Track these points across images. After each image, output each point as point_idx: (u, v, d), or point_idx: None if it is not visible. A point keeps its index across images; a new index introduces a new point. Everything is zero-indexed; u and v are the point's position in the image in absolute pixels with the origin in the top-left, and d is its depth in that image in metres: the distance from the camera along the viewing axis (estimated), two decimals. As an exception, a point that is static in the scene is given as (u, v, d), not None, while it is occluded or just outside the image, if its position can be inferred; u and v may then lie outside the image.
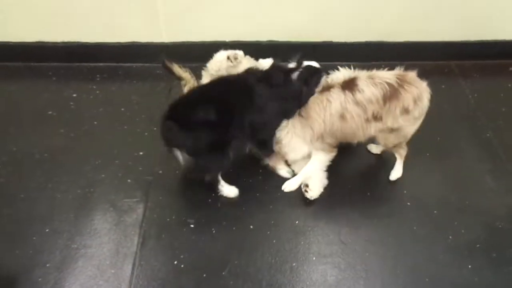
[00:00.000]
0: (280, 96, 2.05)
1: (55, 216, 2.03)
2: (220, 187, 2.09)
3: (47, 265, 1.85)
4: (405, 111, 1.96)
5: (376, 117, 1.99)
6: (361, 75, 2.02)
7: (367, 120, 1.99)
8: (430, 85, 2.71)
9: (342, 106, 1.98)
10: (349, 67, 2.11)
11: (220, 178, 2.09)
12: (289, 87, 2.05)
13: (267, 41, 2.78)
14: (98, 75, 2.78)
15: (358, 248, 1.95)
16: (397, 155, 2.19)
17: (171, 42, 2.78)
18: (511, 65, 2.92)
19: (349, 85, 1.99)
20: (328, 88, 2.03)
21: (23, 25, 2.72)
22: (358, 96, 1.96)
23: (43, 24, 2.72)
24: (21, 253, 1.89)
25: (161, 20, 2.67)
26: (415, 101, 1.96)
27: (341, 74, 2.09)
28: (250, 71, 2.13)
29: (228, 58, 2.26)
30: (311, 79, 2.07)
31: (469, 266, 1.89)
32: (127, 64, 2.84)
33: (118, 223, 2.01)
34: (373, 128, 2.02)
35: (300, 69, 2.08)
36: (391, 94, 1.95)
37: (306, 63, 2.11)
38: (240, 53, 2.28)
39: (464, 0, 2.69)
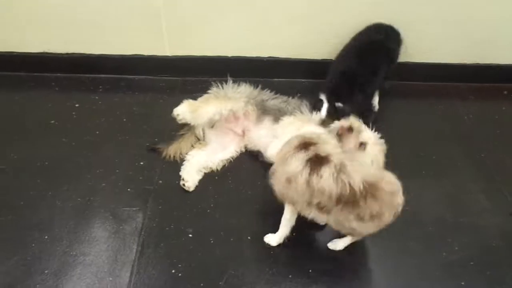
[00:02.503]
0: None
1: (54, 224, 2.04)
2: None
3: (45, 271, 1.86)
4: (360, 218, 1.68)
5: (322, 209, 1.72)
6: (336, 156, 1.69)
7: (309, 204, 1.73)
8: (427, 106, 2.81)
9: (294, 170, 1.70)
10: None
11: None
12: None
13: (268, 57, 2.84)
14: (100, 86, 2.82)
15: (353, 263, 1.97)
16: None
17: (173, 56, 2.83)
18: (506, 89, 2.99)
19: (317, 158, 1.68)
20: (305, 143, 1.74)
21: (27, 36, 2.77)
22: (314, 178, 1.67)
23: (47, 35, 2.77)
24: (19, 259, 1.90)
25: (165, 33, 2.73)
26: (372, 216, 1.67)
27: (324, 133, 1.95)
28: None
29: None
30: None
31: (462, 283, 1.91)
32: (130, 76, 2.88)
33: (117, 232, 2.02)
34: (314, 213, 1.78)
35: None
36: (348, 199, 1.65)
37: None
38: (178, 111, 2.33)
39: (461, 25, 2.76)
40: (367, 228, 1.75)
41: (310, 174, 1.67)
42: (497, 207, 2.23)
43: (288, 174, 1.72)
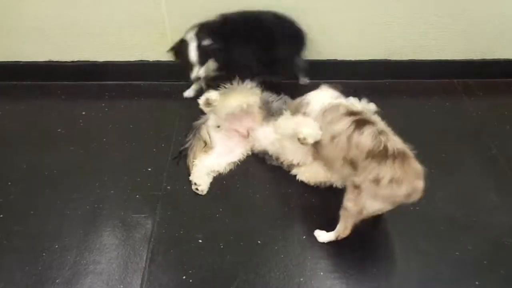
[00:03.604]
0: None
1: (64, 233, 2.04)
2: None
3: (57, 281, 1.86)
4: (376, 181, 1.75)
5: (352, 163, 1.86)
6: (379, 123, 1.91)
7: (344, 160, 1.89)
8: (435, 103, 2.78)
9: (341, 128, 1.90)
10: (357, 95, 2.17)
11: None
12: None
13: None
14: (106, 93, 2.82)
15: (365, 263, 1.95)
16: (341, 212, 1.92)
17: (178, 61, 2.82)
18: (514, 84, 2.96)
19: (363, 121, 1.89)
20: (348, 112, 1.96)
21: (33, 45, 2.78)
22: (355, 134, 1.85)
23: (52, 43, 2.78)
24: (31, 269, 1.90)
25: (169, 39, 2.72)
26: (391, 181, 1.73)
27: (368, 107, 2.13)
28: None
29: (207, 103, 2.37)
30: None
31: (476, 283, 1.88)
32: (135, 82, 2.89)
33: (127, 239, 2.02)
34: (345, 170, 1.91)
35: None
36: (378, 155, 1.77)
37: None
38: (214, 97, 2.36)
39: (468, 20, 2.73)
40: (378, 196, 1.79)
41: (353, 131, 1.86)
42: (509, 204, 2.20)
43: (334, 132, 1.92)
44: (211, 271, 1.91)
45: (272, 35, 2.53)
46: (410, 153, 1.82)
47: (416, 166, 1.79)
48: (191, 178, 2.26)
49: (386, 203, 1.82)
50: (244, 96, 2.39)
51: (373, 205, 1.82)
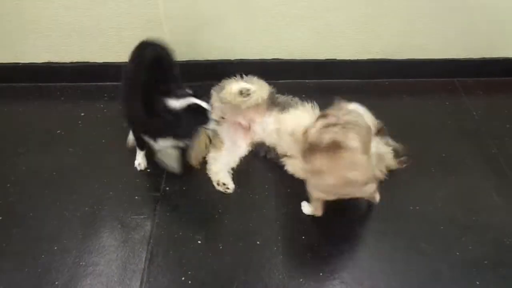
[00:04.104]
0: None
1: (63, 234, 2.04)
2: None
3: (56, 283, 1.86)
4: (310, 171, 1.91)
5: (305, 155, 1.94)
6: (336, 117, 1.88)
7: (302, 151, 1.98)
8: (435, 102, 2.78)
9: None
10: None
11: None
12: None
13: (271, 59, 2.82)
14: (105, 94, 2.81)
15: (365, 263, 1.95)
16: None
17: (177, 61, 2.81)
18: (515, 82, 2.95)
19: (322, 115, 1.94)
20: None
21: (31, 46, 2.77)
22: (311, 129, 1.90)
23: (51, 45, 2.77)
24: (30, 271, 1.90)
25: (167, 39, 2.71)
26: (318, 171, 1.85)
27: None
28: None
29: (241, 93, 2.29)
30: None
31: (477, 283, 1.88)
32: (135, 83, 2.88)
33: (126, 240, 2.02)
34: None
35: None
36: (315, 147, 1.83)
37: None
38: (253, 88, 2.30)
39: (467, 18, 2.72)
40: (314, 185, 1.95)
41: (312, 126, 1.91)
42: (509, 203, 2.19)
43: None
44: (210, 272, 1.90)
45: None
46: (349, 145, 1.77)
47: (351, 158, 1.78)
48: (216, 178, 2.23)
49: (325, 193, 1.93)
50: (262, 86, 2.37)
51: (315, 193, 1.97)
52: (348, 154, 1.77)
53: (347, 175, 1.80)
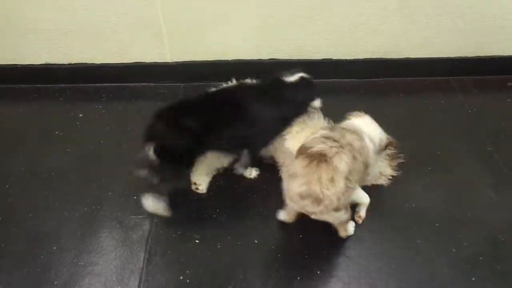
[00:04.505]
0: (280, 107, 2.13)
1: (62, 234, 2.06)
2: (146, 196, 2.07)
3: (55, 282, 1.88)
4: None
5: None
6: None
7: None
8: (430, 101, 2.79)
9: None
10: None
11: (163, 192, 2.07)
12: (288, 97, 2.15)
13: (268, 59, 2.83)
14: (103, 95, 2.83)
15: (362, 261, 1.96)
16: None
17: (174, 62, 2.83)
18: (510, 80, 2.95)
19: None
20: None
21: (30, 48, 2.78)
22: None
23: (49, 46, 2.78)
24: (29, 271, 1.92)
25: (165, 40, 2.73)
26: (291, 175, 1.80)
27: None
28: (243, 85, 2.22)
29: None
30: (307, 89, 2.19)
31: (473, 279, 1.90)
32: (132, 84, 2.89)
33: (125, 240, 2.03)
34: None
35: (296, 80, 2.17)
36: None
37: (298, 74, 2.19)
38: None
39: (462, 17, 2.73)
40: (284, 187, 1.88)
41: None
42: (505, 200, 2.21)
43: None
44: (208, 271, 1.92)
45: None
46: (335, 163, 1.74)
47: (330, 175, 1.71)
48: (193, 178, 2.25)
49: (291, 200, 1.83)
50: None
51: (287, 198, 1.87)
52: (329, 170, 1.71)
53: (316, 189, 1.70)
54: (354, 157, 1.81)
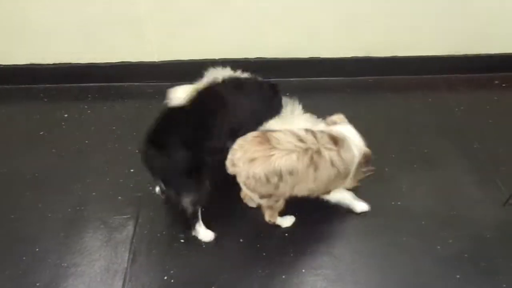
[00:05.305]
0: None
1: (45, 235, 2.03)
2: (197, 227, 2.00)
3: (37, 284, 1.85)
4: None
5: None
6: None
7: None
8: (417, 99, 2.80)
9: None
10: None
11: (199, 216, 2.01)
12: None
13: (255, 58, 2.83)
14: (89, 95, 2.81)
15: (348, 259, 1.96)
16: None
17: (161, 61, 2.82)
18: (497, 79, 2.97)
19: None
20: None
21: (14, 48, 2.77)
22: None
23: (33, 46, 2.77)
24: (11, 273, 1.89)
25: (151, 39, 2.72)
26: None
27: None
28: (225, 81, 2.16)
29: None
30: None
31: (458, 276, 1.89)
32: (118, 84, 2.88)
33: (109, 240, 2.01)
34: None
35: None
36: None
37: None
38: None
39: (450, 15, 2.75)
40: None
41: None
42: (490, 198, 2.21)
43: None
44: (193, 271, 1.90)
45: None
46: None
47: (255, 151, 1.79)
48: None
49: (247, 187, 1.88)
50: None
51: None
52: (259, 151, 1.78)
53: (236, 159, 1.81)
54: (316, 164, 1.82)
